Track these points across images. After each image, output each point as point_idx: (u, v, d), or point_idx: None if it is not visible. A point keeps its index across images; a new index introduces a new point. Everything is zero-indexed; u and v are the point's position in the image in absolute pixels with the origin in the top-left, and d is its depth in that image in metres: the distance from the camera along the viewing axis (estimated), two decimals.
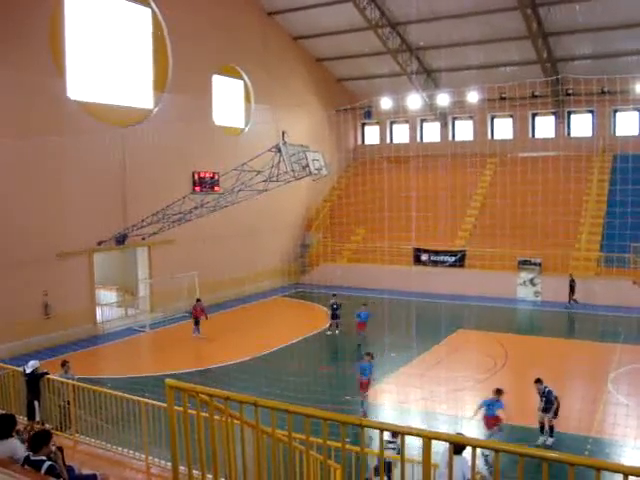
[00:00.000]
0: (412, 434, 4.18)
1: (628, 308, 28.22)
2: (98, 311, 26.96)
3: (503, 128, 41.68)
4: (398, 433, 4.33)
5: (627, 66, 33.27)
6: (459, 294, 32.11)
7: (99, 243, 26.24)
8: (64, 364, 14.63)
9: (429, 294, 32.11)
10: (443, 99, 39.44)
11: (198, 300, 26.12)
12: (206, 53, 31.75)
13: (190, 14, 30.44)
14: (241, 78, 35.07)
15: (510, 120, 41.01)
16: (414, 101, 39.42)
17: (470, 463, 4.22)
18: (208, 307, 26.55)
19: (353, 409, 16.43)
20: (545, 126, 40.36)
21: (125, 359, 23.71)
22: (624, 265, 30.53)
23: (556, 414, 14.77)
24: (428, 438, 4.08)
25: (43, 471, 6.61)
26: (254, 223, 33.86)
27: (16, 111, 22.88)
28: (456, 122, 43.64)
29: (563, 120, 39.17)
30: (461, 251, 34.89)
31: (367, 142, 46.88)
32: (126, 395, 10.97)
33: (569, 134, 39.51)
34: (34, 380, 12.47)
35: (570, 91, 36.37)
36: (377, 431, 4.39)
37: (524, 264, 32.71)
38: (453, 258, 34.85)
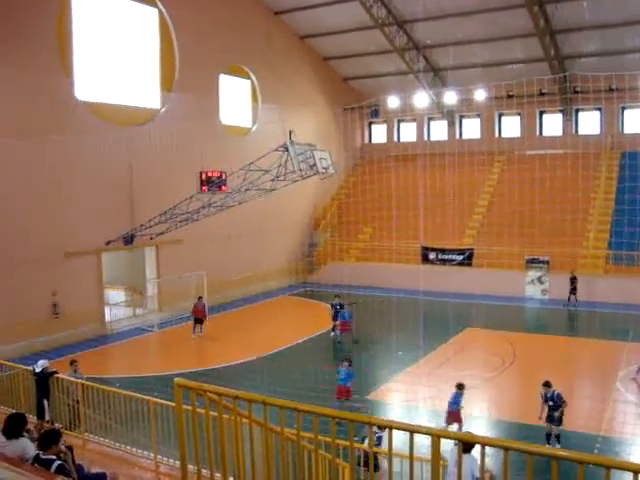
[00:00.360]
0: (421, 432, 4.17)
1: (636, 306, 28.06)
2: (106, 311, 27.05)
3: (510, 126, 41.51)
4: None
5: (635, 63, 33.05)
6: (467, 292, 32.03)
7: (107, 243, 26.32)
8: (72, 363, 14.70)
9: (437, 292, 32.04)
10: (450, 97, 39.31)
11: (199, 298, 25.93)
12: (213, 53, 31.78)
13: (197, 14, 30.49)
14: (248, 77, 35.09)
15: (517, 118, 40.87)
16: (421, 99, 39.33)
17: (479, 462, 4.21)
18: (216, 306, 26.57)
19: (362, 408, 16.42)
20: (553, 124, 40.16)
21: (133, 359, 23.77)
22: (633, 263, 30.40)
23: (561, 421, 14.20)
24: (437, 436, 4.08)
25: (53, 470, 6.65)
26: (261, 222, 33.87)
27: (24, 111, 22.94)
28: (463, 120, 43.51)
29: (571, 118, 38.99)
30: (469, 249, 34.80)
31: (374, 141, 46.81)
32: (135, 394, 11.01)
33: (577, 132, 39.29)
34: (43, 379, 12.55)
35: (578, 88, 36.20)
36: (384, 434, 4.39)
37: (532, 262, 32.60)
38: (461, 256, 34.77)
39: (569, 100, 37.69)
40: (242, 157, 27.44)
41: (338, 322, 24.65)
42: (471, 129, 43.02)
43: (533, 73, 34.49)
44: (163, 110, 29.28)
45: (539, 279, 32.37)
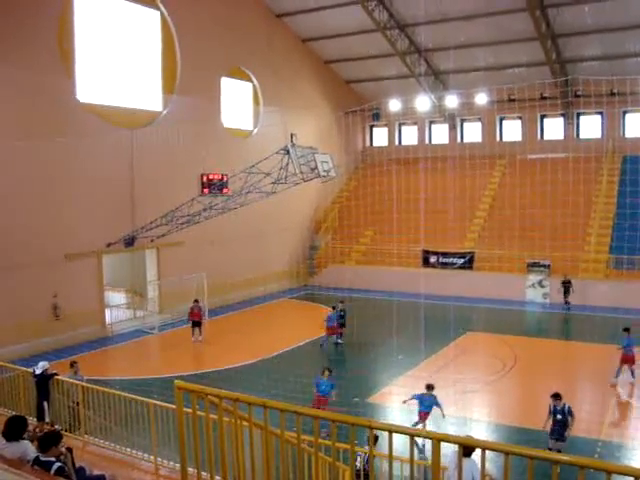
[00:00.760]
0: (421, 436, 4.17)
1: (638, 310, 28.00)
2: (107, 313, 27.02)
3: (512, 130, 41.50)
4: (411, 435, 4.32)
5: (636, 67, 33.10)
6: (468, 296, 32.02)
7: (108, 245, 26.33)
8: (73, 365, 14.68)
9: (437, 296, 31.98)
10: (451, 101, 39.33)
11: (196, 301, 25.40)
12: (215, 55, 31.82)
13: (198, 16, 30.53)
14: (250, 80, 35.12)
15: (519, 122, 40.86)
16: (422, 103, 39.35)
17: (479, 465, 4.20)
18: (216, 309, 26.47)
19: (361, 411, 16.40)
20: (554, 128, 40.19)
21: (134, 361, 23.76)
22: (634, 267, 30.35)
23: (565, 438, 12.94)
24: (437, 440, 4.07)
25: (52, 472, 6.64)
26: (262, 225, 33.87)
27: (25, 112, 22.96)
28: (464, 124, 43.54)
29: (572, 121, 39.00)
30: (470, 253, 34.78)
31: (375, 144, 46.83)
32: (135, 396, 11.00)
33: (578, 136, 39.31)
34: (43, 381, 12.53)
35: (579, 92, 36.18)
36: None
37: (533, 266, 32.57)
38: (462, 260, 34.75)
39: (570, 104, 37.67)
40: (243, 160, 27.46)
41: (333, 325, 24.31)
42: (472, 133, 43.01)
43: (534, 77, 34.55)
44: (165, 112, 29.30)
45: (540, 283, 32.35)
